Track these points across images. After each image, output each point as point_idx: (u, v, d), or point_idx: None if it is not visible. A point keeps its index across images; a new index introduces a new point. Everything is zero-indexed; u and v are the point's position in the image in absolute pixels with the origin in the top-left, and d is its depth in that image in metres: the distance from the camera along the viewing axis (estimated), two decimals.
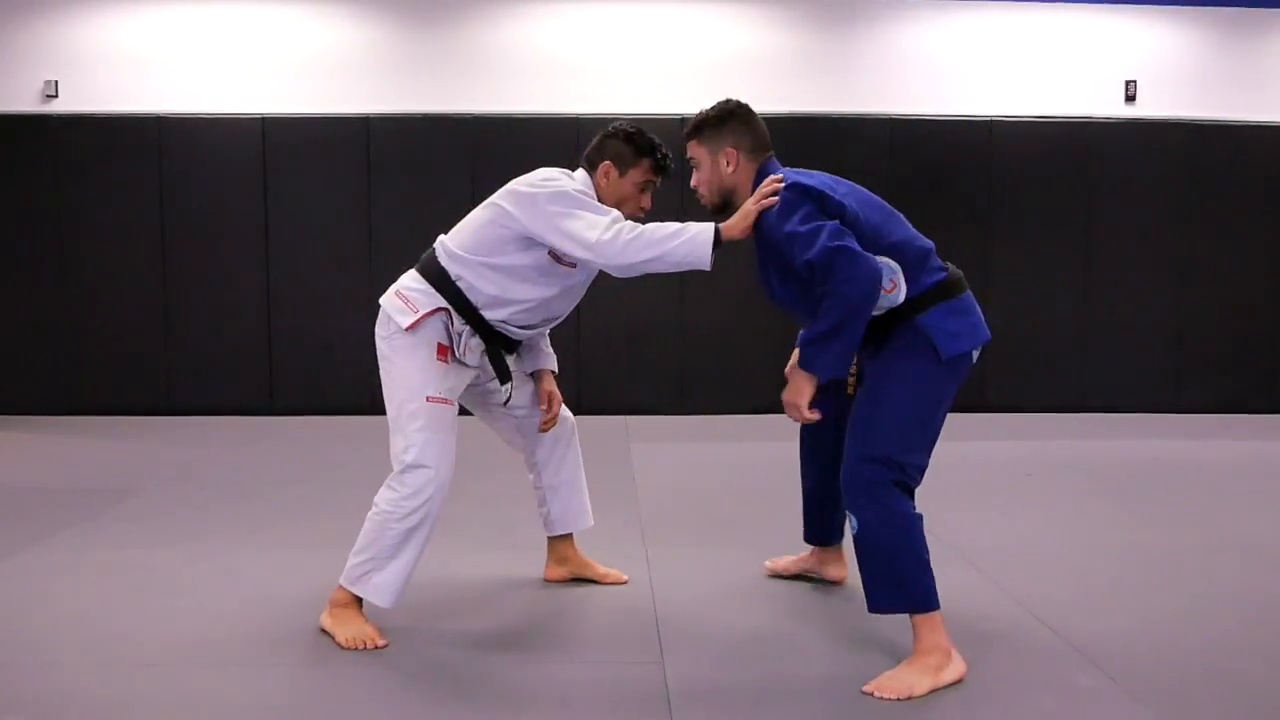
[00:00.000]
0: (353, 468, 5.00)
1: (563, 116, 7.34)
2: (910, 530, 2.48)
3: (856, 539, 2.51)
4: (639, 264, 2.72)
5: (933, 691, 2.43)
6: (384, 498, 2.76)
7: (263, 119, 7.26)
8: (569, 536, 3.38)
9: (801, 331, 2.60)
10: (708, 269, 2.71)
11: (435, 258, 2.91)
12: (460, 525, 4.04)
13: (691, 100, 7.46)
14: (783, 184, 2.62)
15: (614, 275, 2.82)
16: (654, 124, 7.99)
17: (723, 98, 2.92)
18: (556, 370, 3.27)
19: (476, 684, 2.55)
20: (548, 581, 3.38)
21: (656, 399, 7.22)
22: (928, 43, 7.59)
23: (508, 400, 3.05)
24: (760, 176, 2.75)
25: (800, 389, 2.54)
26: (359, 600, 2.80)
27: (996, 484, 4.91)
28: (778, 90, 7.47)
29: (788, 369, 2.75)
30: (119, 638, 2.84)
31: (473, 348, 2.88)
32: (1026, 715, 2.36)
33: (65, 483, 5.09)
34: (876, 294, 2.47)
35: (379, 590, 2.75)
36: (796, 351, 2.64)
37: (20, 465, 5.62)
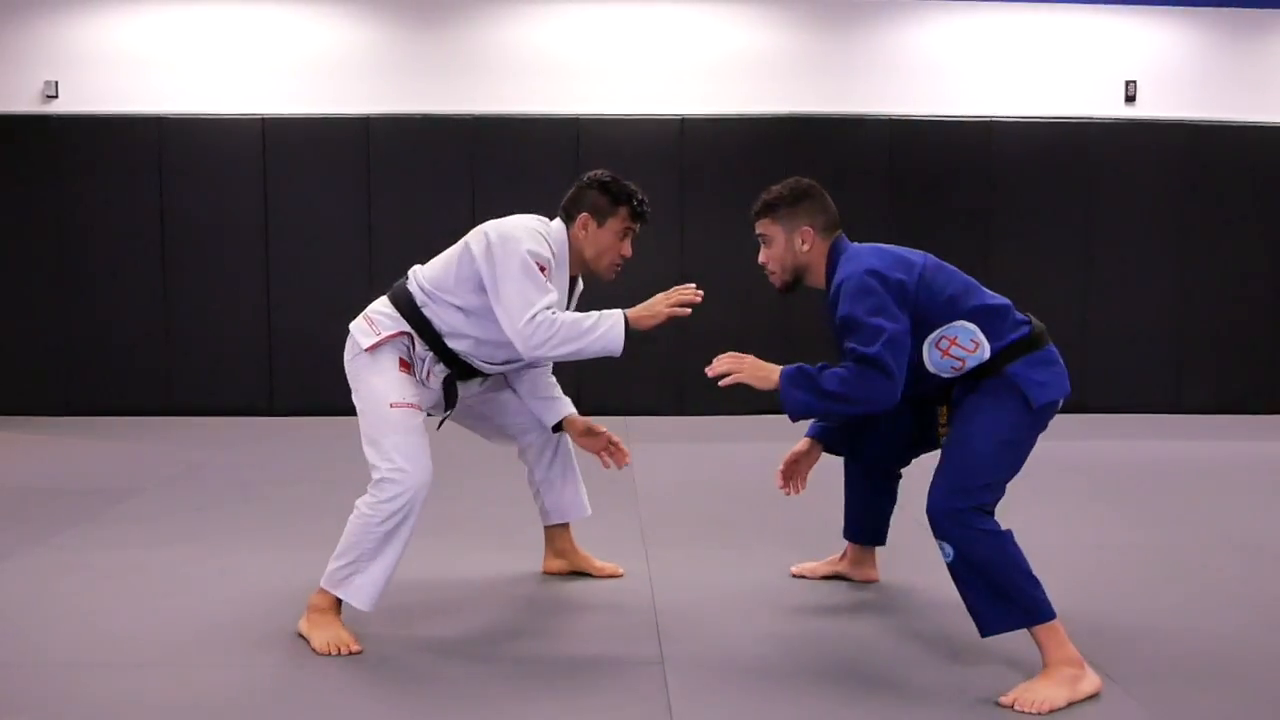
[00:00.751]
0: (352, 468, 4.97)
1: (563, 117, 7.34)
2: (1003, 545, 2.46)
3: (951, 566, 2.49)
4: (553, 356, 2.83)
5: (1070, 705, 2.37)
6: (364, 501, 2.77)
7: (263, 119, 7.26)
8: (566, 529, 3.40)
9: (816, 369, 2.62)
10: (616, 355, 2.81)
11: (405, 285, 2.97)
12: (458, 525, 4.04)
13: (692, 101, 7.51)
14: (700, 296, 2.77)
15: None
16: (654, 124, 8.05)
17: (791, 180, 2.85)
18: (575, 412, 3.29)
19: (476, 682, 2.55)
20: (545, 574, 3.41)
21: (657, 400, 7.21)
22: (928, 43, 7.59)
23: (440, 424, 3.10)
24: (833, 254, 2.79)
25: (760, 378, 2.63)
26: (338, 605, 2.79)
27: None
28: (778, 90, 7.47)
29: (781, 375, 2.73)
30: (119, 638, 2.84)
31: (436, 373, 2.97)
32: (1026, 717, 2.35)
33: (65, 483, 5.09)
34: (882, 409, 2.59)
35: (359, 592, 2.75)
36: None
37: (20, 465, 5.62)
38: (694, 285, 2.80)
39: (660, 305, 2.79)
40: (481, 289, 2.85)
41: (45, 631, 2.89)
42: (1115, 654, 2.71)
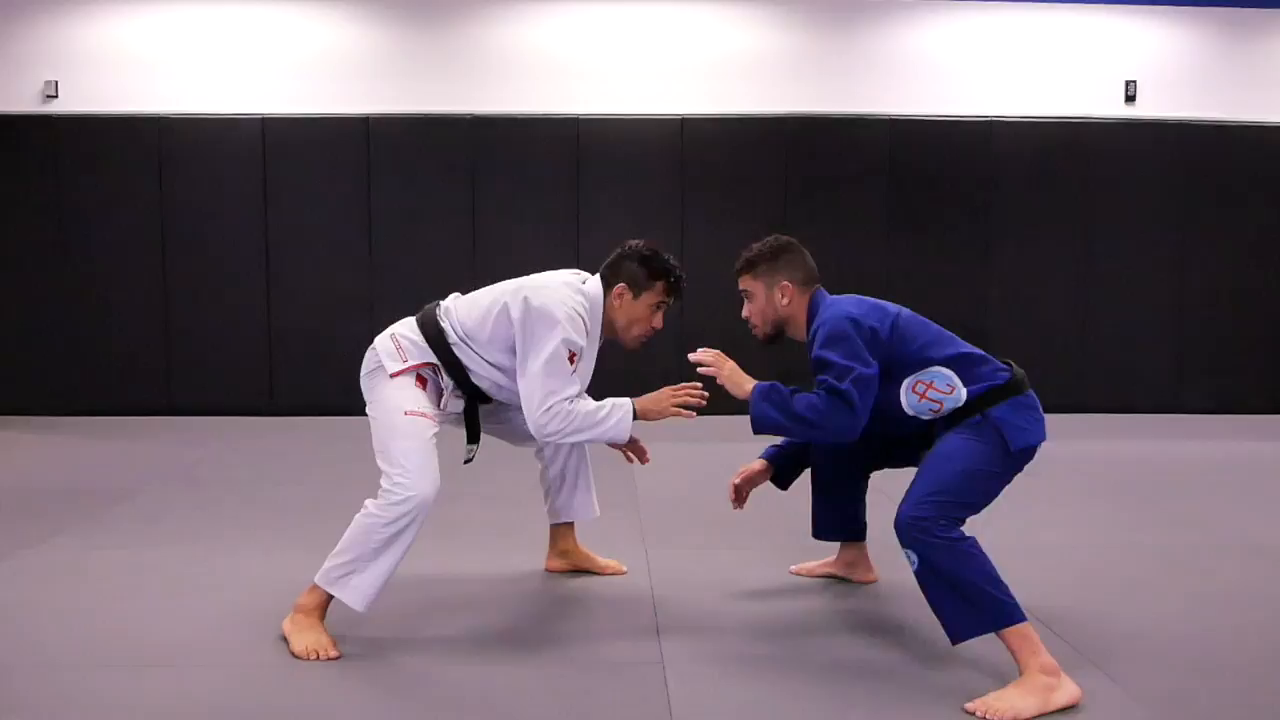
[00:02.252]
0: (352, 467, 4.99)
1: (563, 117, 7.34)
2: (967, 550, 2.48)
3: (918, 575, 2.52)
4: (564, 441, 3.00)
5: (1042, 715, 2.33)
6: (373, 502, 2.77)
7: (263, 119, 7.26)
8: (570, 529, 3.42)
9: (789, 391, 2.74)
10: (623, 443, 3.04)
11: (436, 318, 2.99)
12: (460, 525, 4.04)
13: (692, 101, 7.51)
14: (705, 399, 2.96)
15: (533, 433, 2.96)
16: (654, 124, 8.05)
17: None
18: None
19: (477, 680, 2.55)
20: (548, 572, 3.43)
21: None
22: (928, 43, 7.59)
23: (469, 460, 3.15)
24: (813, 306, 2.91)
25: (735, 383, 2.82)
26: (324, 606, 2.78)
27: None
28: (778, 91, 7.47)
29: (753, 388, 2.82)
30: (119, 638, 2.84)
31: (455, 399, 3.03)
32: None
33: (65, 483, 5.09)
34: (843, 441, 2.75)
35: (356, 592, 2.74)
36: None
37: (20, 465, 5.62)
38: (700, 385, 2.94)
39: (666, 403, 2.95)
40: (512, 350, 2.92)
41: (44, 632, 2.89)
42: (1115, 653, 2.71)
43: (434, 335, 2.95)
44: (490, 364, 2.96)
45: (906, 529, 2.52)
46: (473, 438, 3.12)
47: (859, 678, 2.58)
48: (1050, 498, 4.65)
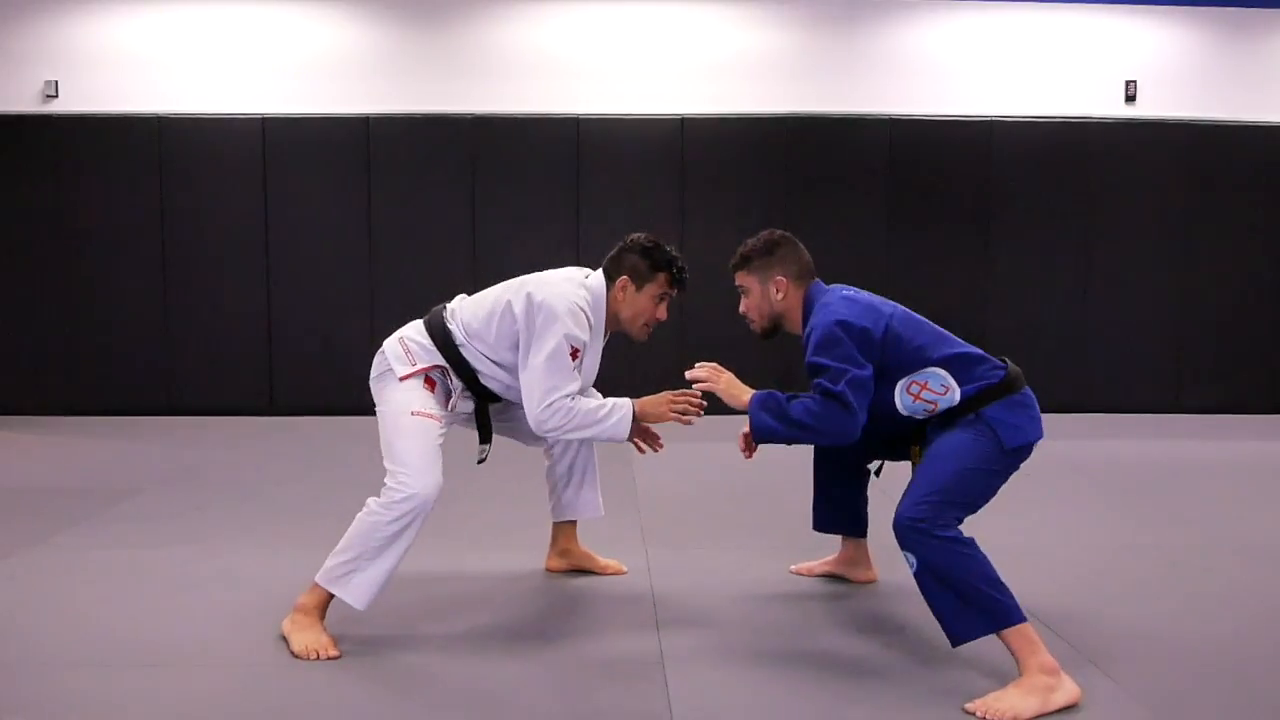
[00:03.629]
0: (352, 468, 5.00)
1: (563, 116, 7.34)
2: (964, 551, 2.48)
3: (917, 577, 2.51)
4: (562, 438, 3.08)
5: (1042, 715, 2.32)
6: (376, 501, 2.78)
7: (263, 119, 7.27)
8: (572, 528, 3.43)
9: (786, 397, 2.76)
10: (622, 441, 3.02)
11: (443, 319, 3.01)
12: (460, 524, 4.04)
13: (692, 100, 7.51)
14: (703, 408, 2.99)
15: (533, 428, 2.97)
16: (654, 124, 8.04)
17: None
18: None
19: (477, 679, 2.55)
20: (548, 572, 3.44)
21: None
22: (928, 43, 7.59)
23: (482, 460, 3.17)
24: (808, 301, 2.93)
25: (732, 393, 2.86)
26: (324, 606, 2.79)
27: None
28: (778, 90, 7.47)
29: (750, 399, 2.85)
30: (118, 638, 2.84)
31: (464, 400, 3.04)
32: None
33: (65, 482, 5.09)
34: (842, 443, 2.74)
35: (357, 590, 2.75)
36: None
37: (20, 465, 5.62)
38: (699, 394, 2.97)
39: (665, 407, 2.98)
40: (518, 347, 2.94)
41: (44, 631, 2.89)
42: (1115, 653, 2.71)
43: (441, 337, 2.97)
44: (497, 364, 2.98)
45: (904, 531, 2.52)
46: (485, 438, 3.14)
47: (859, 677, 2.58)
48: (1049, 498, 4.65)
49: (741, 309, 3.04)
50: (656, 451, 3.19)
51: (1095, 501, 4.69)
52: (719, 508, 4.48)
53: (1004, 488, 2.66)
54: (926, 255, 7.47)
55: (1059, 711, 2.35)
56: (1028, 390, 2.73)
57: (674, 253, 3.10)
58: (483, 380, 3.01)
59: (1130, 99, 7.61)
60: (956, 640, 2.49)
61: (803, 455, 3.28)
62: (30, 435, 6.47)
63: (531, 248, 6.67)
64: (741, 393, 2.83)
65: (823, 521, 3.36)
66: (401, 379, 2.92)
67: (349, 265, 7.21)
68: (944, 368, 2.70)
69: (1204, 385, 7.68)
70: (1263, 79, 7.66)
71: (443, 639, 2.85)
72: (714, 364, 2.88)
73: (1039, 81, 7.60)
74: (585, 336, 2.95)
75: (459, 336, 2.97)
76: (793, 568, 3.48)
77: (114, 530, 4.05)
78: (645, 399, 2.99)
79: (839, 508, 3.32)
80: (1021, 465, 2.70)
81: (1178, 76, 7.64)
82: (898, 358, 2.71)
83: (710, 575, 3.46)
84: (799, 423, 2.70)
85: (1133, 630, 2.92)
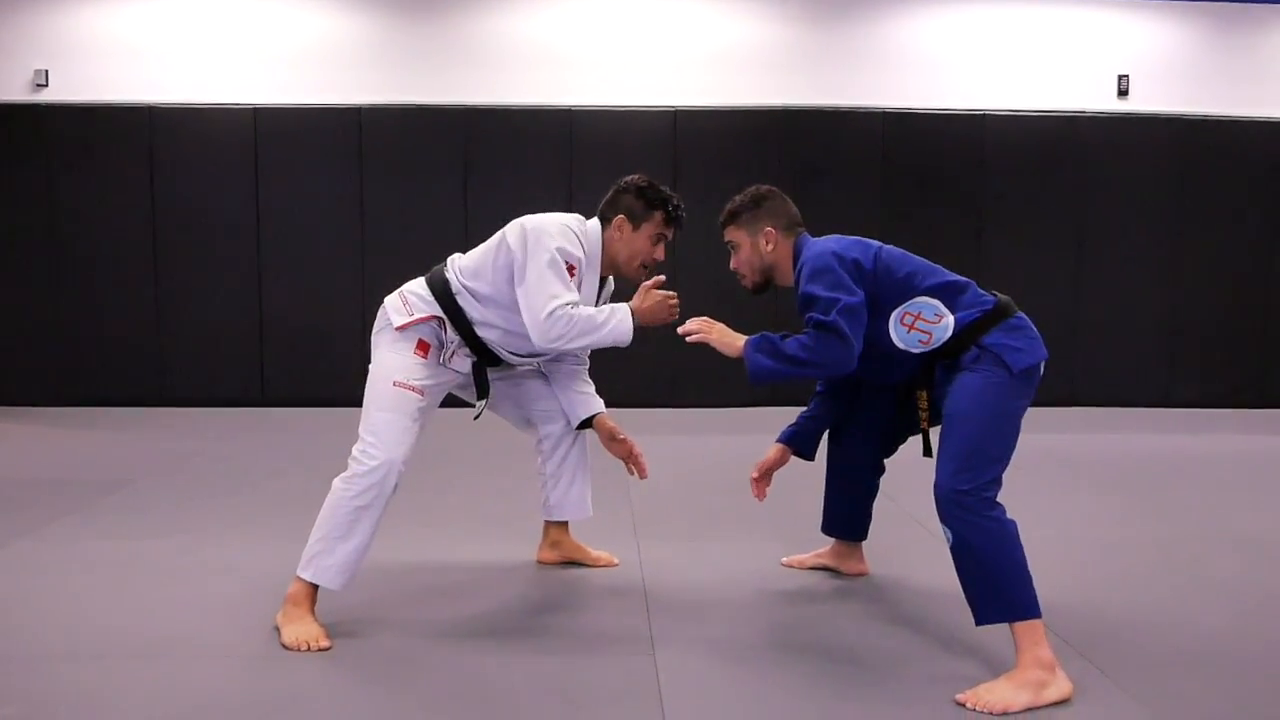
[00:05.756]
0: (344, 458, 4.98)
1: (556, 108, 7.33)
2: (1004, 537, 2.47)
3: (953, 550, 2.50)
4: (568, 349, 2.97)
5: (1031, 709, 2.32)
6: (340, 478, 2.78)
7: (254, 109, 7.24)
8: (564, 523, 3.43)
9: (779, 337, 2.72)
10: (627, 345, 2.94)
11: (443, 271, 3.02)
12: (452, 516, 4.04)
13: (685, 93, 7.50)
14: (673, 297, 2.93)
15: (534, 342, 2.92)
16: (648, 115, 8.04)
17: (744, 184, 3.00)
18: (605, 413, 3.28)
19: (469, 670, 2.55)
20: (539, 563, 3.45)
21: (649, 391, 7.22)
22: (921, 36, 7.60)
23: (478, 416, 3.14)
24: (797, 251, 2.90)
25: (726, 343, 2.77)
26: (313, 596, 2.77)
27: None
28: (772, 83, 7.47)
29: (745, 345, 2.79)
30: (110, 629, 2.84)
31: (461, 357, 3.02)
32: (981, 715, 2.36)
33: (56, 474, 5.08)
34: (840, 373, 2.73)
35: (328, 572, 2.74)
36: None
37: (11, 456, 5.60)
38: (653, 282, 2.94)
39: (663, 308, 2.92)
40: (514, 280, 2.91)
41: (36, 622, 2.89)
42: (1106, 647, 2.72)
43: (439, 288, 2.97)
44: (493, 300, 2.94)
45: (948, 505, 2.49)
46: (483, 393, 3.09)
47: (850, 668, 2.59)
48: (1041, 491, 4.66)
49: (732, 265, 3.02)
50: (642, 479, 3.22)
51: (1086, 495, 4.70)
52: (711, 500, 4.48)
53: (1009, 461, 2.62)
54: (918, 248, 7.38)
55: (1050, 705, 2.36)
56: (1022, 315, 2.72)
57: (669, 192, 3.08)
58: (479, 331, 2.99)
59: (1123, 93, 7.63)
60: (981, 620, 2.49)
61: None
62: (20, 426, 6.45)
63: None
64: (735, 339, 2.78)
65: (832, 525, 3.36)
66: (398, 329, 2.91)
67: (341, 256, 7.20)
68: (934, 296, 2.71)
69: (1195, 379, 7.71)
70: (1254, 74, 7.69)
71: (432, 630, 2.85)
72: (704, 317, 2.83)
73: (1032, 75, 7.61)
74: (579, 254, 2.94)
75: (455, 284, 2.97)
76: (784, 560, 3.49)
77: (106, 521, 4.04)
78: (640, 303, 2.93)
79: (849, 517, 3.33)
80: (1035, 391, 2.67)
81: (1170, 71, 7.66)
82: (889, 287, 2.71)
83: (702, 567, 3.47)
84: (794, 358, 2.67)
85: (1124, 623, 2.93)
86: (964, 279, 2.77)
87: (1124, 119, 7.59)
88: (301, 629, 2.71)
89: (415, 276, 3.08)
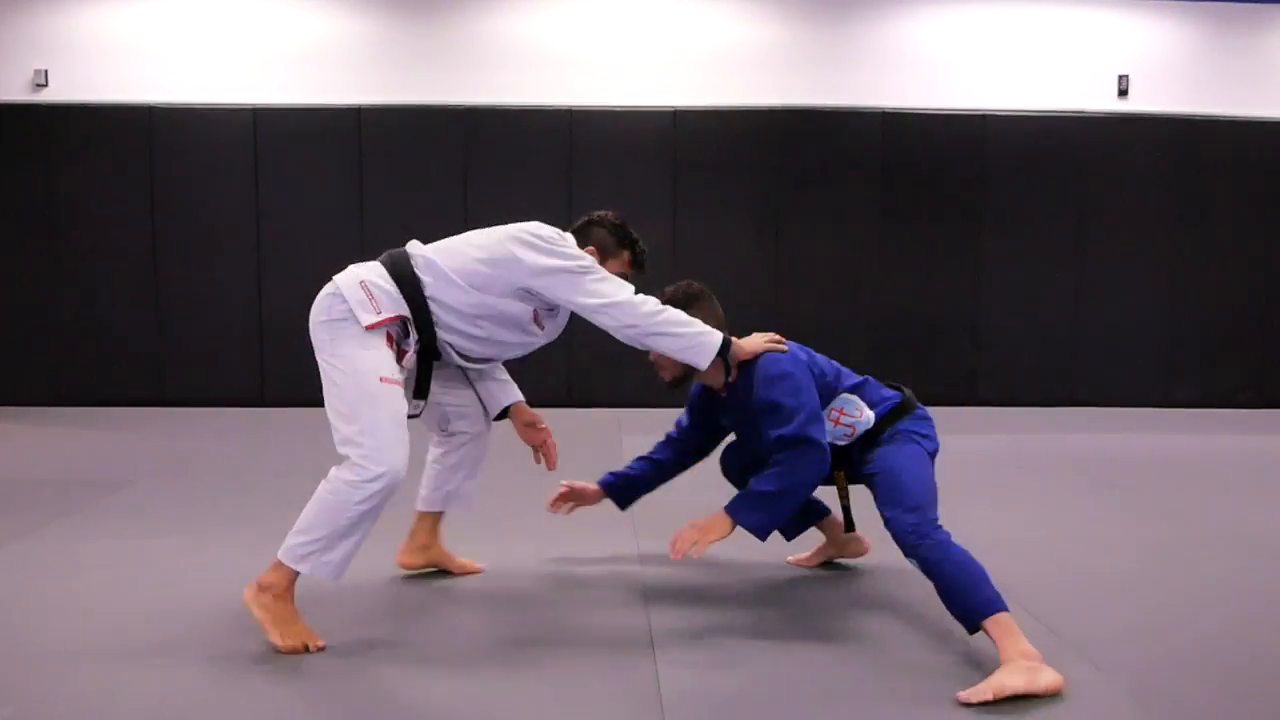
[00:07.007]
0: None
1: (556, 108, 7.33)
2: (957, 550, 2.60)
3: (927, 574, 2.61)
4: (647, 335, 2.85)
5: (1028, 694, 2.34)
6: (343, 477, 2.67)
7: (254, 109, 7.24)
8: (437, 521, 3.31)
9: (751, 489, 2.83)
10: (701, 369, 2.92)
11: (410, 265, 2.85)
12: (450, 517, 4.03)
13: (685, 93, 7.50)
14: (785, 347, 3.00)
15: (614, 335, 2.87)
16: (647, 115, 8.03)
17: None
18: (523, 399, 3.22)
19: (468, 670, 2.55)
20: (401, 567, 3.31)
21: (648, 391, 7.21)
22: (921, 36, 7.59)
23: (416, 415, 2.99)
24: None
25: (717, 529, 2.82)
26: (292, 586, 2.71)
27: (987, 477, 4.92)
28: (771, 83, 7.46)
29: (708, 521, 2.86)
30: (109, 629, 2.83)
31: (411, 356, 2.87)
32: (1017, 709, 2.36)
33: (55, 474, 5.08)
34: (821, 478, 2.87)
35: (328, 567, 2.68)
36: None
37: (10, 456, 5.60)
38: (775, 336, 3.01)
39: (762, 343, 2.96)
40: (524, 296, 2.86)
41: (35, 622, 2.89)
42: (1102, 645, 2.72)
43: (410, 287, 2.80)
44: (478, 308, 2.84)
45: (907, 538, 2.63)
46: (422, 393, 2.98)
47: (850, 668, 2.59)
48: (1039, 491, 4.66)
49: (652, 356, 3.05)
50: (550, 469, 3.20)
51: (1084, 494, 4.70)
52: (711, 500, 4.47)
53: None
54: (918, 248, 7.48)
55: (1047, 703, 2.36)
56: (922, 407, 3.05)
57: (638, 235, 3.11)
58: (442, 335, 2.86)
59: (1123, 93, 7.63)
60: (971, 628, 2.54)
61: None
62: (19, 426, 6.45)
63: None
64: (720, 521, 2.83)
65: (789, 528, 3.39)
66: (368, 328, 2.73)
67: (340, 256, 7.08)
68: (853, 393, 2.97)
69: (1194, 380, 7.71)
70: (1254, 74, 7.69)
71: (434, 629, 2.85)
72: (681, 530, 2.83)
73: (1032, 75, 7.61)
74: (589, 262, 2.90)
75: (431, 287, 2.81)
76: (789, 559, 3.49)
77: (105, 521, 4.04)
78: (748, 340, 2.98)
79: (797, 518, 3.35)
80: None
81: (1170, 71, 7.66)
82: (821, 389, 2.92)
83: (702, 565, 3.46)
84: (779, 494, 2.80)
85: (1120, 622, 2.93)
86: (872, 378, 3.06)
87: (1124, 119, 7.59)
88: (294, 631, 2.67)
89: None
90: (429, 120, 7.30)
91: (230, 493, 4.58)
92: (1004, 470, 5.07)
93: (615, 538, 3.73)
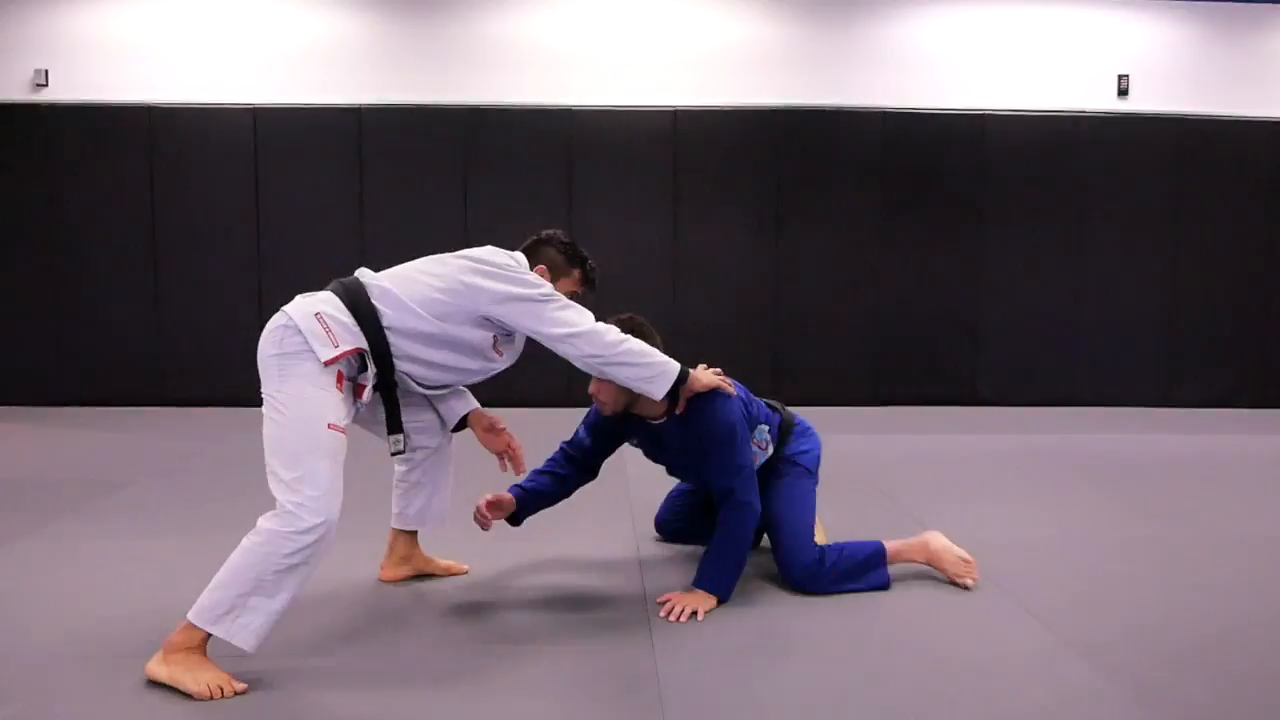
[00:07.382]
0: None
1: (556, 108, 7.33)
2: (840, 568, 3.10)
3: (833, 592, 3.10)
4: (608, 365, 2.83)
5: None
6: (271, 527, 2.47)
7: (254, 109, 7.24)
8: (414, 537, 3.28)
9: (716, 549, 3.05)
10: (657, 399, 2.95)
11: (366, 296, 2.72)
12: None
13: (685, 92, 7.50)
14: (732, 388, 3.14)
15: (574, 363, 2.85)
16: (647, 115, 8.02)
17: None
18: (478, 405, 3.16)
19: (469, 669, 2.55)
20: (383, 582, 3.26)
21: None
22: (921, 36, 7.59)
23: (397, 453, 2.90)
24: None
25: (705, 601, 2.99)
26: (205, 643, 2.45)
27: (987, 477, 4.92)
28: (771, 83, 7.47)
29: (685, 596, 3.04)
30: (110, 629, 2.83)
31: (367, 390, 2.73)
32: (1016, 709, 2.37)
33: (55, 474, 5.08)
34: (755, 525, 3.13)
35: (244, 630, 2.40)
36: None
37: (9, 456, 5.60)
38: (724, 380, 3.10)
39: (717, 381, 3.04)
40: (482, 324, 2.78)
41: (35, 622, 2.89)
42: (1106, 648, 2.72)
43: (367, 318, 2.67)
44: (438, 338, 2.75)
45: (807, 585, 3.06)
46: (395, 427, 2.84)
47: (850, 668, 2.59)
48: (1040, 491, 4.66)
49: (591, 389, 3.06)
50: (519, 474, 3.15)
51: (1086, 495, 4.70)
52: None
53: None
54: (918, 248, 7.48)
55: (1047, 703, 2.36)
56: (799, 418, 3.35)
57: (588, 254, 3.10)
58: (400, 366, 2.75)
59: (1123, 93, 7.63)
60: (884, 586, 3.12)
61: None
62: (20, 426, 6.45)
63: (523, 238, 6.65)
64: (702, 596, 2.99)
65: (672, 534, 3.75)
66: (326, 363, 2.58)
67: (340, 256, 7.19)
68: (765, 421, 3.22)
69: (1194, 379, 7.71)
70: (1254, 74, 7.69)
71: (433, 629, 2.85)
72: (668, 605, 2.96)
73: (1032, 75, 7.61)
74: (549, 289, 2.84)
75: (389, 317, 2.70)
76: None
77: (105, 521, 4.04)
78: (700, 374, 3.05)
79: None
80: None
81: (1170, 71, 7.66)
82: (747, 419, 3.12)
83: None
84: (732, 552, 3.03)
85: (1123, 624, 2.93)
86: (751, 394, 3.24)
87: (1124, 119, 7.59)
88: (209, 675, 2.40)
89: None
90: (429, 120, 7.31)
91: (230, 493, 4.58)
92: (1004, 470, 5.07)
93: (617, 538, 3.73)
